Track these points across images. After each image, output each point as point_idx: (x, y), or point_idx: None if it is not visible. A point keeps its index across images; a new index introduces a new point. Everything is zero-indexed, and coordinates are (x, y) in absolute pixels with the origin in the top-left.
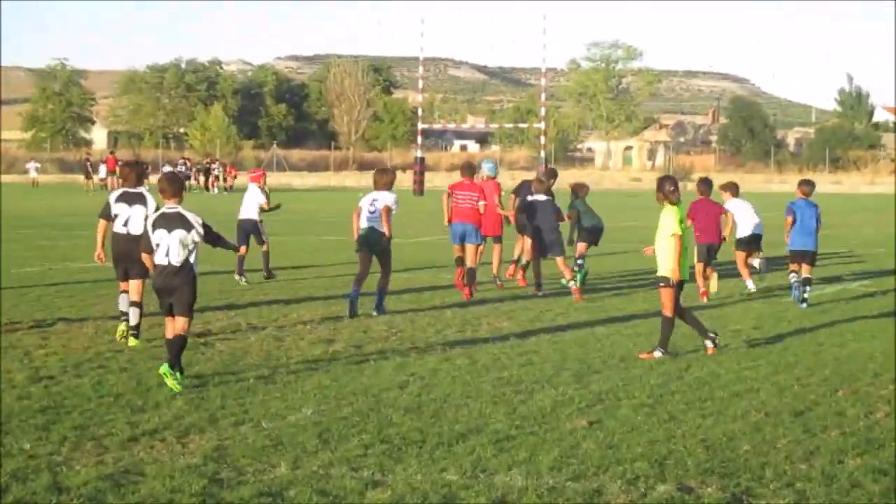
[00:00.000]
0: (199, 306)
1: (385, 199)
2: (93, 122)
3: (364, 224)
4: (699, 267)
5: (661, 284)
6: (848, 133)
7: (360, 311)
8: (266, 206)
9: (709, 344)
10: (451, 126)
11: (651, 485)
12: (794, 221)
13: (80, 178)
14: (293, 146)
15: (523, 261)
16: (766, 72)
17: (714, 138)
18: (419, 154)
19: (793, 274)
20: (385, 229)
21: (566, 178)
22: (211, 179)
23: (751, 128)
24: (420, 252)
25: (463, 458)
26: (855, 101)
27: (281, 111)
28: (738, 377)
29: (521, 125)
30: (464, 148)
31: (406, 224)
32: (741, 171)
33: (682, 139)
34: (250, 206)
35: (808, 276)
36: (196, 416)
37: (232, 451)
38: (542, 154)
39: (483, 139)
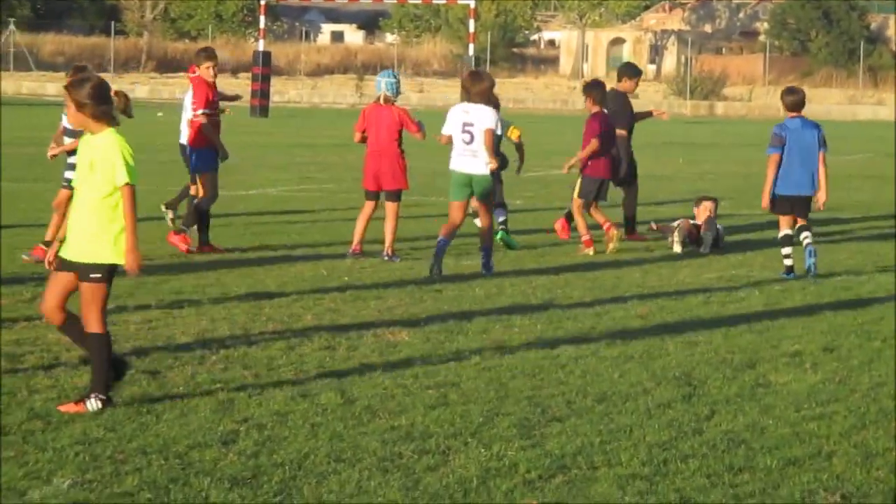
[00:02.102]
0: None
1: (484, 117)
2: None
3: (461, 165)
4: (578, 204)
5: (95, 277)
6: None
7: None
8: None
9: (91, 404)
10: (317, 1)
11: None
12: (781, 157)
13: None
14: (45, 29)
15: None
16: None
17: (763, 27)
18: (261, 47)
19: (787, 242)
20: (489, 164)
21: (509, 90)
22: None
23: (825, 10)
24: (274, 208)
25: None
26: None
27: None
28: (796, 433)
29: (438, 1)
30: (338, 37)
31: (243, 167)
32: (808, 83)
33: (708, 28)
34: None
35: (790, 231)
36: None
37: None
38: (471, 51)
39: (371, 24)
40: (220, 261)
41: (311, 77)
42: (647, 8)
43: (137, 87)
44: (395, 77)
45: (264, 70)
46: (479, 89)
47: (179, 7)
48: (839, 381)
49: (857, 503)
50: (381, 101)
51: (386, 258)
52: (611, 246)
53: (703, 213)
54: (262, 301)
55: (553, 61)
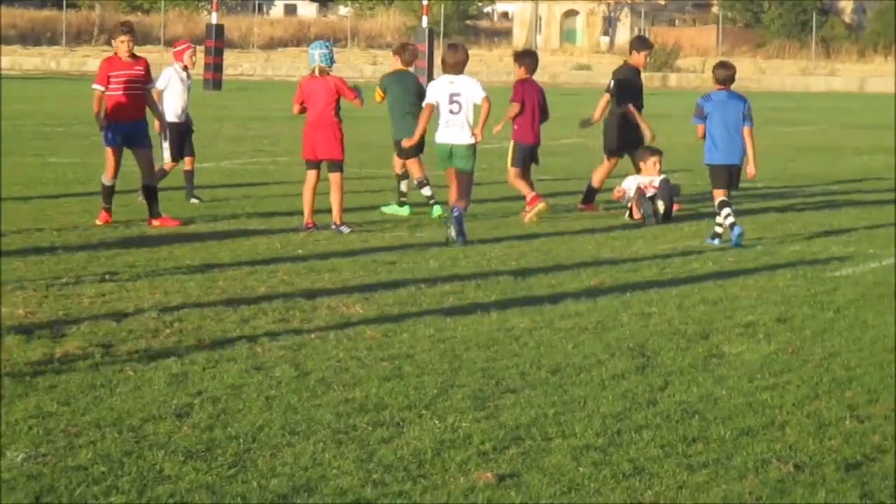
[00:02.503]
0: None
1: (471, 89)
2: None
3: (446, 136)
4: (514, 172)
5: None
6: None
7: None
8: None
9: None
10: None
11: None
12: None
13: None
14: None
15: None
16: None
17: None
18: (215, 20)
19: (725, 211)
20: (475, 135)
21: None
22: None
23: None
24: (228, 181)
25: None
26: None
27: None
28: (749, 403)
29: None
30: (291, 10)
31: (197, 140)
32: (761, 55)
33: (662, 0)
34: (172, 99)
35: (725, 198)
36: None
37: None
38: (425, 23)
39: None
40: (173, 234)
41: (265, 50)
42: None
43: (90, 60)
44: (327, 47)
45: (217, 43)
46: (455, 60)
47: None
48: (792, 352)
49: (809, 472)
50: (316, 72)
51: (334, 228)
52: (529, 215)
53: (650, 168)
54: (215, 273)
55: (507, 33)
